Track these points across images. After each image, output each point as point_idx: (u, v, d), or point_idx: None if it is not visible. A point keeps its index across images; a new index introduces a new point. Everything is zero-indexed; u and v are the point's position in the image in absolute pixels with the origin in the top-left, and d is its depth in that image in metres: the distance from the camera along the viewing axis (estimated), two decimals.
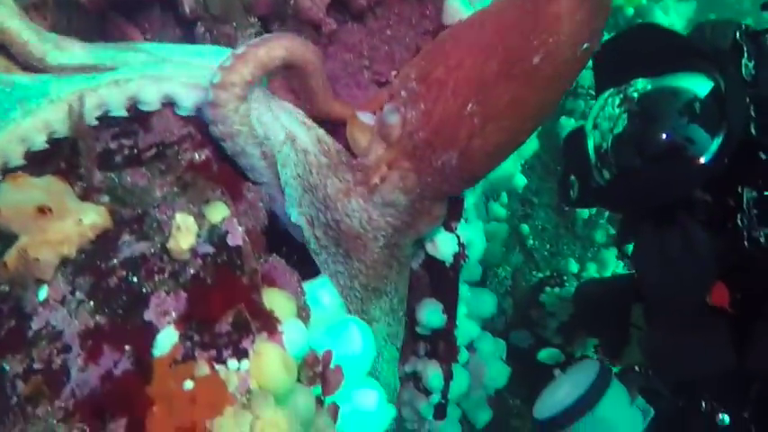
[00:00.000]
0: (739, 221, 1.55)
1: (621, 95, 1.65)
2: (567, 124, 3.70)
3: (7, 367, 1.09)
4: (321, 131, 1.51)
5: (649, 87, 1.62)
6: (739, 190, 1.57)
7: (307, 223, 1.53)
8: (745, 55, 1.63)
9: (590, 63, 1.44)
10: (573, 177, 1.88)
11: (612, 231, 3.92)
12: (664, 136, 1.57)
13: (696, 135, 1.55)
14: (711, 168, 1.56)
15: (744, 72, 1.62)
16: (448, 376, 1.85)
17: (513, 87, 1.24)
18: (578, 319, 2.68)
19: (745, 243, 1.56)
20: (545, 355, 2.57)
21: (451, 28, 1.39)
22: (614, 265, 3.90)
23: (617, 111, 1.64)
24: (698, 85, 1.58)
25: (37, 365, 1.09)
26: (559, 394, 1.87)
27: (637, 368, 1.96)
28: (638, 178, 1.61)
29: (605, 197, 1.78)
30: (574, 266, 3.79)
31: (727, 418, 1.69)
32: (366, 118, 1.45)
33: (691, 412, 1.76)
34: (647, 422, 1.82)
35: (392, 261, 1.59)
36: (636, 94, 1.63)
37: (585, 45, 1.21)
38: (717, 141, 1.55)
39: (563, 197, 1.99)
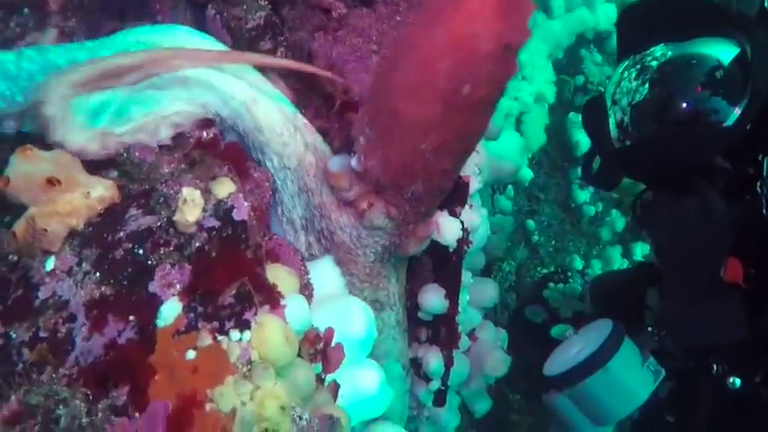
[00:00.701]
0: (759, 188, 1.54)
1: (638, 66, 1.64)
2: (576, 120, 3.70)
3: (14, 335, 1.11)
4: (320, 138, 1.53)
5: (670, 54, 1.61)
6: (759, 158, 1.56)
7: (300, 228, 1.55)
8: None
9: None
10: (596, 159, 1.89)
11: (619, 229, 3.92)
12: (684, 105, 1.57)
13: (717, 105, 1.54)
14: (732, 133, 1.54)
15: None
16: (449, 363, 1.85)
17: (452, 120, 1.24)
18: (594, 310, 2.67)
19: (764, 211, 1.55)
20: (558, 331, 2.57)
21: (379, 62, 1.38)
22: (619, 263, 3.90)
23: (634, 84, 1.63)
24: (722, 51, 1.57)
25: (43, 334, 1.11)
26: (571, 352, 1.86)
27: (650, 329, 1.94)
28: (659, 141, 1.60)
29: (625, 161, 1.76)
30: (578, 263, 3.80)
31: (738, 382, 1.68)
32: (337, 163, 1.45)
33: (702, 375, 1.75)
34: (657, 382, 1.81)
35: (390, 270, 1.61)
36: (654, 63, 1.62)
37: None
38: (739, 109, 1.53)
39: (584, 175, 1.98)
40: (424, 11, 1.22)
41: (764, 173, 1.55)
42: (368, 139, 1.35)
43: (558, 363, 1.88)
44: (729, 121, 1.54)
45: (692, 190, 1.61)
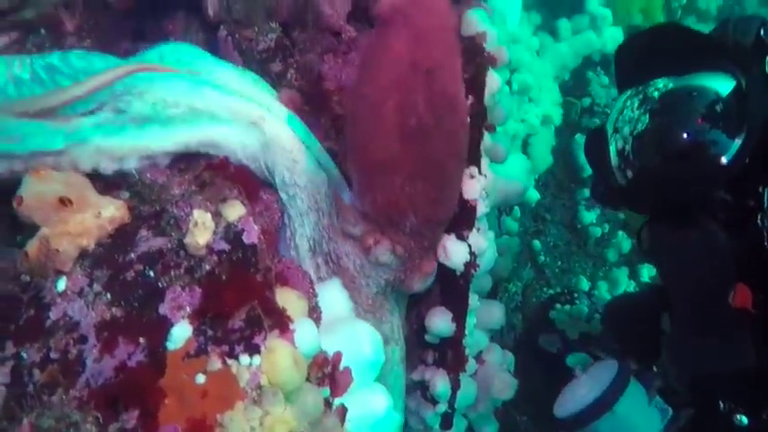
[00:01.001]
0: (759, 221, 1.54)
1: (641, 96, 1.65)
2: (583, 142, 3.70)
3: (25, 355, 1.11)
4: (331, 160, 1.56)
5: (671, 86, 1.62)
6: (760, 190, 1.56)
7: (308, 249, 1.56)
8: None
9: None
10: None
11: (625, 250, 3.91)
12: (685, 135, 1.57)
13: (717, 137, 1.55)
14: (732, 168, 1.55)
15: (767, 69, 1.60)
16: (455, 386, 1.85)
17: (413, 152, 1.31)
18: (609, 333, 2.67)
19: (766, 243, 1.55)
20: (574, 359, 2.57)
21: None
22: (625, 285, 3.88)
23: (636, 113, 1.64)
24: (720, 85, 1.58)
25: (54, 355, 1.11)
26: (579, 393, 1.89)
27: (655, 368, 1.95)
28: (659, 176, 1.61)
29: (627, 196, 1.77)
30: (585, 284, 3.78)
31: (745, 419, 1.67)
32: (348, 196, 1.51)
33: (708, 413, 1.75)
34: (665, 422, 1.84)
35: (393, 305, 1.64)
36: (656, 94, 1.62)
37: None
38: (737, 142, 1.54)
39: (593, 193, 1.99)
40: (364, 63, 1.34)
41: (765, 205, 1.54)
42: (356, 184, 1.44)
43: (566, 404, 1.91)
44: (728, 155, 1.54)
45: (695, 222, 1.61)
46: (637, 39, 1.77)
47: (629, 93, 1.70)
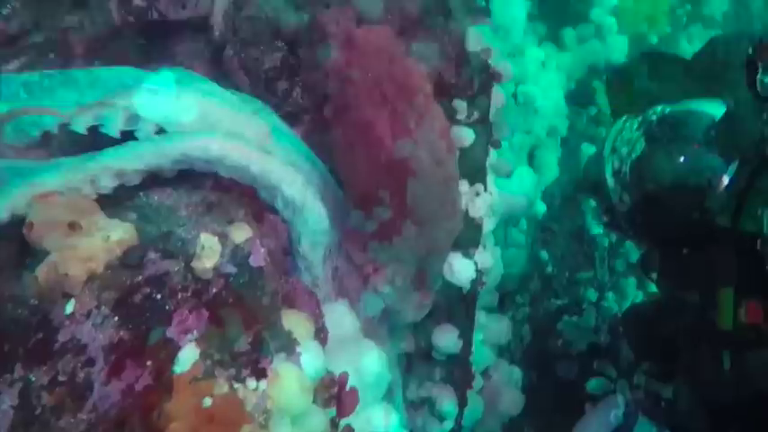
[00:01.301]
0: (758, 246, 1.53)
1: (640, 119, 1.65)
2: (589, 151, 3.70)
3: (33, 378, 1.12)
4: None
5: (668, 111, 1.62)
6: (758, 213, 1.56)
7: (321, 259, 1.56)
8: (760, 70, 1.61)
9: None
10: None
11: (633, 260, 3.89)
12: (681, 159, 1.57)
13: (713, 161, 1.55)
14: (730, 193, 1.55)
15: (759, 87, 1.60)
16: (462, 403, 1.85)
17: (394, 182, 1.35)
18: (625, 341, 2.66)
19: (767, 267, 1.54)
20: (594, 385, 2.56)
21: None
22: (633, 295, 3.86)
23: (635, 134, 1.64)
24: (715, 109, 1.58)
25: (61, 378, 1.12)
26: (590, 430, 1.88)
27: (663, 403, 1.94)
28: (658, 202, 1.61)
29: (628, 226, 1.78)
30: (592, 295, 3.76)
31: None
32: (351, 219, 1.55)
33: None
34: None
35: (388, 333, 1.66)
36: (654, 117, 1.63)
37: None
38: (733, 167, 1.54)
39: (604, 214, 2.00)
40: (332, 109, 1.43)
41: (764, 229, 1.54)
42: (353, 214, 1.47)
43: None
44: (726, 179, 1.54)
45: (696, 247, 1.61)
46: (627, 68, 1.79)
47: (627, 115, 1.71)
